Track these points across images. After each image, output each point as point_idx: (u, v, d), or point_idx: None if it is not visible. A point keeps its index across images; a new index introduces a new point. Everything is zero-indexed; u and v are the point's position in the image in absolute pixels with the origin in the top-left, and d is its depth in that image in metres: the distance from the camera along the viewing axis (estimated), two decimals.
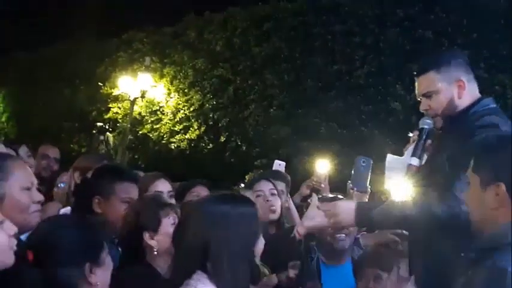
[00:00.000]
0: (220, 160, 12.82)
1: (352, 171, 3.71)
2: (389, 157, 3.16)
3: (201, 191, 3.82)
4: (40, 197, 2.39)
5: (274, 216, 3.77)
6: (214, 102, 13.24)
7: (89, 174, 3.30)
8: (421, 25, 11.53)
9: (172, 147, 14.08)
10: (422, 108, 2.84)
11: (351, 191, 3.79)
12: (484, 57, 10.69)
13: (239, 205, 2.23)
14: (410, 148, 2.91)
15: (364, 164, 3.66)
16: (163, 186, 3.43)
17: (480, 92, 2.99)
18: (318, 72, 11.64)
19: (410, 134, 3.00)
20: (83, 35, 16.96)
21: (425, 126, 2.81)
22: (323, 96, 11.54)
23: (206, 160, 13.16)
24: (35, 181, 2.40)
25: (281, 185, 4.12)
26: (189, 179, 4.55)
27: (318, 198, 3.94)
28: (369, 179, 3.68)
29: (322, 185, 4.94)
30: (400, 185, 2.98)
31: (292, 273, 2.95)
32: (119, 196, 2.95)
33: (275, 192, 3.76)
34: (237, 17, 13.20)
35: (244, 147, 12.55)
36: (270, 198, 3.62)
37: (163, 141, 14.38)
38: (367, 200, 3.92)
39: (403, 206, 2.73)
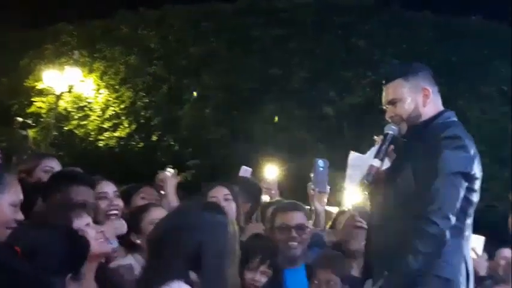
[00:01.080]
0: (151, 160, 12.60)
1: (312, 174, 3.81)
2: (352, 154, 3.24)
3: (148, 192, 3.77)
4: (21, 216, 2.34)
5: None
6: (147, 100, 13.01)
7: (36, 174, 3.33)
8: (355, 34, 11.92)
9: (101, 145, 13.71)
10: (388, 115, 2.88)
11: (312, 192, 3.88)
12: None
13: (222, 214, 2.25)
14: (373, 149, 2.96)
15: (322, 166, 3.80)
16: (107, 187, 3.36)
17: None
18: (255, 75, 11.72)
19: (376, 137, 3.05)
20: (6, 24, 16.17)
21: (390, 132, 2.84)
22: (259, 99, 11.64)
23: (137, 159, 12.90)
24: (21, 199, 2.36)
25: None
26: (118, 178, 4.41)
27: (273, 203, 4.03)
28: (327, 180, 3.81)
29: (273, 191, 5.01)
30: (355, 186, 3.05)
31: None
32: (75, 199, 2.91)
33: (230, 197, 3.74)
34: (174, 14, 13.05)
35: (177, 147, 12.43)
36: (223, 203, 3.60)
37: (91, 139, 13.97)
38: (326, 200, 4.02)
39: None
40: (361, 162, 3.03)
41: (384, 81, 3.03)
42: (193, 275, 2.07)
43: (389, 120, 2.90)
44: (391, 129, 2.86)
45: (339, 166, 4.00)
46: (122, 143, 13.37)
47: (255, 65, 11.76)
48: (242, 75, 11.83)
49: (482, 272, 4.18)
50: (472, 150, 2.73)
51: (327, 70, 11.62)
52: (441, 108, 2.94)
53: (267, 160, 11.67)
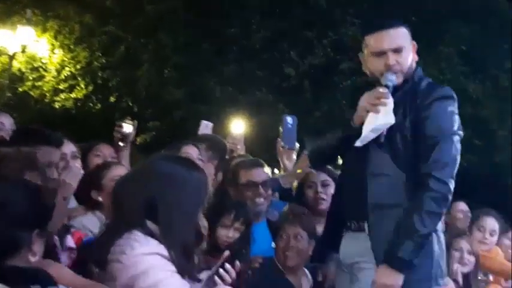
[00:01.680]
0: (109, 121, 12.32)
1: (281, 130, 3.78)
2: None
3: (104, 150, 3.67)
4: None
5: None
6: (104, 61, 12.68)
7: None
8: None
9: (56, 106, 13.37)
10: (391, 62, 2.70)
11: (281, 148, 3.85)
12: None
13: (193, 169, 2.20)
14: (384, 108, 2.68)
15: (290, 122, 3.76)
16: (66, 148, 3.25)
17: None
18: (214, 35, 11.51)
19: (380, 89, 2.78)
20: None
21: (390, 83, 2.72)
22: (219, 59, 11.47)
23: (94, 121, 12.64)
24: None
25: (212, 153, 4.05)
26: (76, 141, 4.28)
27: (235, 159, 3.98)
28: (296, 136, 3.78)
29: (238, 146, 4.96)
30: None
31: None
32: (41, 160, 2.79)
33: (201, 157, 3.68)
34: None
35: (136, 109, 12.22)
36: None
37: (46, 100, 13.61)
38: (295, 157, 3.99)
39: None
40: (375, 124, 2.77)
41: (382, 25, 2.78)
42: (152, 226, 2.05)
43: (389, 69, 2.72)
44: (390, 80, 2.70)
45: (299, 126, 3.96)
46: (78, 104, 13.07)
47: (214, 25, 11.52)
48: (201, 35, 11.59)
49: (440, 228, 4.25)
50: None
51: (287, 30, 11.48)
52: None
53: (232, 116, 11.66)
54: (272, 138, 3.93)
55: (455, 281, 3.64)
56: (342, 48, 11.52)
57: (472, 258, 3.76)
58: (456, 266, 3.68)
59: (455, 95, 2.73)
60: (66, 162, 3.20)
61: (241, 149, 4.85)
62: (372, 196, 2.65)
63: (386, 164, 2.67)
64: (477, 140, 14.13)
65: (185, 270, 2.07)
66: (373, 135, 2.62)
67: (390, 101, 2.61)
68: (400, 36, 2.72)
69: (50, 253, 2.34)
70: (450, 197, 2.59)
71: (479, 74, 12.27)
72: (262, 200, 3.41)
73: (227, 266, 2.14)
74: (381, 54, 2.70)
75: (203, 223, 2.43)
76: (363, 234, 2.70)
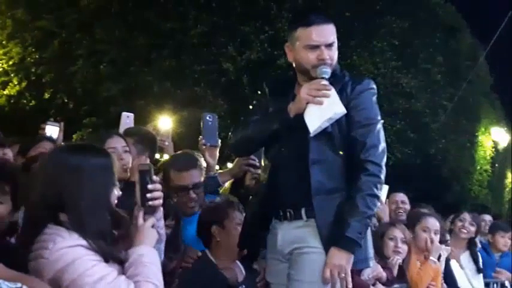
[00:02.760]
0: (44, 118, 12.06)
1: (202, 127, 3.80)
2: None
3: (47, 146, 3.61)
4: None
5: (126, 175, 3.61)
6: (37, 56, 12.35)
7: None
8: None
9: None
10: (325, 56, 2.78)
11: (203, 146, 3.86)
12: None
13: (91, 156, 2.20)
14: (329, 100, 2.75)
15: (210, 120, 3.79)
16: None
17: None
18: (151, 30, 11.40)
19: (323, 82, 2.86)
20: None
21: (326, 76, 2.80)
22: (156, 54, 11.38)
23: (28, 118, 12.30)
24: None
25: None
26: (9, 139, 4.19)
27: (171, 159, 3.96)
28: (217, 133, 3.81)
29: (166, 143, 4.92)
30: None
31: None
32: None
33: (127, 149, 3.62)
34: None
35: (71, 105, 11.97)
36: (123, 156, 3.47)
37: None
38: (217, 154, 4.01)
39: None
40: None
41: (319, 20, 2.84)
42: (65, 218, 2.04)
43: (322, 63, 2.79)
44: (326, 73, 2.78)
45: (238, 121, 3.99)
46: (12, 101, 12.68)
47: (150, 19, 11.41)
48: (137, 29, 11.46)
49: (386, 218, 4.36)
50: None
51: (224, 25, 11.49)
52: None
53: (161, 113, 11.56)
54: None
55: (389, 269, 3.77)
56: (279, 43, 11.63)
57: (405, 247, 3.89)
58: (393, 256, 3.81)
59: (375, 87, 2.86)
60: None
61: (169, 145, 4.83)
62: (315, 182, 2.73)
63: (324, 150, 2.76)
64: (411, 133, 14.61)
65: (107, 254, 2.08)
66: (326, 125, 2.71)
67: (333, 92, 2.71)
68: (333, 32, 2.81)
69: None
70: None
71: (412, 68, 12.63)
72: (193, 203, 3.37)
73: None
74: (315, 48, 2.78)
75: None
76: (300, 221, 2.77)
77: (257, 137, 2.95)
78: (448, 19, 13.76)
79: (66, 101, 12.07)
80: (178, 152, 3.87)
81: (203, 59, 11.39)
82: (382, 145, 2.74)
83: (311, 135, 2.69)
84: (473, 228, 5.05)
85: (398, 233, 3.91)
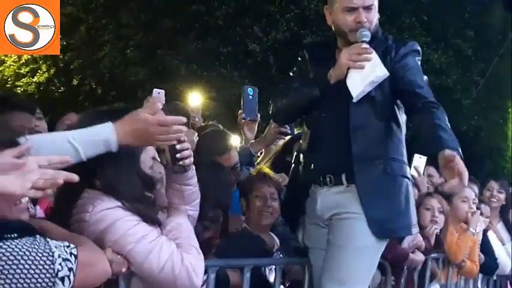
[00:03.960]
0: (73, 104, 12.17)
1: (242, 101, 3.76)
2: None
3: (73, 118, 3.64)
4: None
5: None
6: (65, 43, 12.43)
7: None
8: None
9: (19, 91, 13.11)
10: (363, 19, 2.73)
11: (243, 120, 3.84)
12: None
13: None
14: (371, 63, 2.69)
15: (251, 93, 3.74)
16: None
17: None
18: (176, 13, 11.38)
19: (364, 45, 2.79)
20: None
21: (366, 39, 2.75)
22: (182, 37, 11.35)
23: (57, 105, 12.43)
24: None
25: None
26: None
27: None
28: (257, 107, 3.76)
29: (196, 119, 4.94)
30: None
31: None
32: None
33: None
34: None
35: (99, 91, 12.05)
36: None
37: (8, 85, 13.32)
38: (256, 128, 3.99)
39: None
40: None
41: None
42: (98, 182, 2.08)
43: (360, 26, 2.74)
44: (366, 36, 2.73)
45: (266, 102, 3.93)
46: (41, 88, 12.83)
47: (175, 2, 11.39)
48: (163, 13, 11.45)
49: (424, 190, 4.30)
50: None
51: (249, 5, 11.40)
52: None
53: (197, 94, 11.55)
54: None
55: (427, 239, 3.72)
56: (305, 22, 11.52)
57: (442, 217, 3.83)
58: (430, 226, 3.75)
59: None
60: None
61: (199, 121, 4.85)
62: (357, 148, 2.69)
63: (367, 115, 2.71)
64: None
65: (145, 216, 2.11)
66: (369, 89, 2.65)
67: (375, 55, 2.65)
68: None
69: None
70: None
71: (442, 43, 12.39)
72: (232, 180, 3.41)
73: None
74: (352, 10, 2.72)
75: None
76: (341, 187, 2.73)
77: (298, 104, 2.90)
78: None
79: (94, 86, 12.15)
80: (208, 130, 3.85)
81: (229, 41, 11.33)
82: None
83: (354, 100, 2.63)
84: (502, 196, 4.94)
85: (435, 202, 3.85)
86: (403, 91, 2.70)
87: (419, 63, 2.80)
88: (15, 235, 1.75)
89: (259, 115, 3.81)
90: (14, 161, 1.65)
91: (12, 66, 13.30)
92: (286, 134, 3.73)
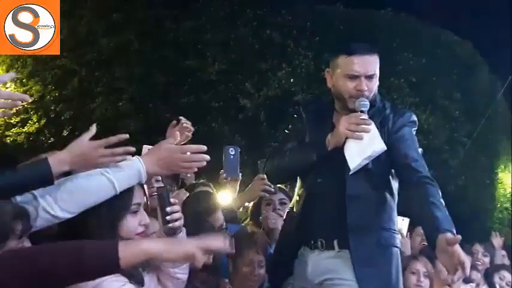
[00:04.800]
0: None
1: (223, 161, 3.78)
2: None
3: None
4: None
5: None
6: (57, 94, 12.49)
7: None
8: (269, 26, 11.98)
9: (8, 141, 13.05)
10: (364, 88, 2.76)
11: (224, 180, 3.85)
12: (326, 59, 11.36)
13: None
14: (368, 135, 2.68)
15: (233, 153, 3.79)
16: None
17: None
18: (169, 67, 11.52)
19: (363, 116, 2.79)
20: None
21: (364, 109, 2.78)
22: (174, 91, 11.46)
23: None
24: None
25: None
26: None
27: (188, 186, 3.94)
28: (239, 166, 3.79)
29: (188, 175, 4.94)
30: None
31: None
32: None
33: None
34: (83, 5, 12.57)
35: None
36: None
37: None
38: (238, 187, 4.00)
39: None
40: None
41: (360, 51, 2.83)
42: None
43: (360, 94, 2.78)
44: (365, 106, 2.78)
45: (256, 157, 3.96)
46: (31, 138, 12.78)
47: (169, 57, 11.55)
48: (156, 67, 11.59)
49: (408, 252, 4.30)
50: None
51: (242, 62, 11.59)
52: None
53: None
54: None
55: None
56: (296, 80, 11.69)
57: (427, 281, 3.81)
58: None
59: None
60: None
61: (190, 178, 4.84)
62: (352, 218, 2.71)
63: (363, 186, 2.74)
64: (429, 170, 14.37)
65: (130, 276, 2.16)
66: (366, 162, 2.69)
67: (373, 127, 2.69)
68: (374, 63, 2.83)
69: None
70: None
71: (430, 104, 12.59)
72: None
73: None
74: (354, 77, 2.77)
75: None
76: (332, 252, 2.73)
77: (294, 167, 2.95)
78: (465, 56, 13.76)
79: None
80: (196, 190, 3.84)
81: (221, 96, 11.45)
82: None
83: (351, 172, 2.66)
84: (487, 260, 4.95)
85: (420, 266, 3.85)
86: (398, 163, 2.73)
87: (414, 133, 2.84)
88: None
89: (240, 174, 3.83)
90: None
91: None
92: (269, 192, 3.74)
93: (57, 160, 2.18)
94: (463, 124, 13.37)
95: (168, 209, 2.36)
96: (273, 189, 3.88)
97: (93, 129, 2.21)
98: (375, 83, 2.88)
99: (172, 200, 2.41)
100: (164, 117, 11.19)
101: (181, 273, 2.46)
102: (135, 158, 2.23)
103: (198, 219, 3.19)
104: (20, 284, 1.59)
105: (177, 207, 2.39)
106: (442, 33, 13.69)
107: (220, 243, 1.82)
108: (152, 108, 11.41)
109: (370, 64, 2.86)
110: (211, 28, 11.71)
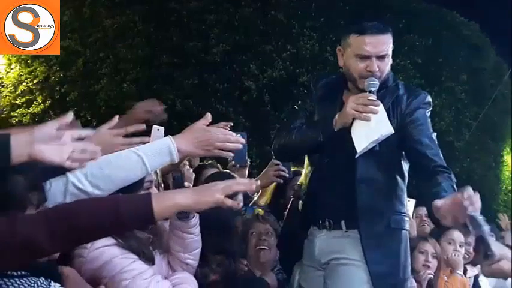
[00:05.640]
0: None
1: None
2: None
3: None
4: None
5: None
6: (61, 75, 12.50)
7: None
8: (274, 7, 11.90)
9: (14, 122, 13.10)
10: (374, 68, 2.69)
11: (233, 167, 3.87)
12: (331, 40, 11.30)
13: None
14: (376, 117, 2.62)
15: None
16: None
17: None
18: (173, 48, 11.49)
19: (370, 97, 2.72)
20: None
21: (373, 89, 2.72)
22: (178, 72, 11.44)
23: None
24: None
25: None
26: None
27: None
28: (246, 153, 3.77)
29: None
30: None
31: None
32: None
33: None
34: None
35: (94, 123, 12.03)
36: None
37: (3, 116, 13.32)
38: (247, 173, 4.01)
39: None
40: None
41: (373, 30, 2.76)
42: None
43: (370, 75, 2.72)
44: (374, 86, 2.71)
45: (260, 139, 3.95)
46: (36, 119, 12.81)
47: (173, 38, 11.51)
48: (160, 48, 11.56)
49: (414, 233, 4.32)
50: None
51: (246, 43, 11.54)
52: None
53: (185, 125, 11.51)
54: None
55: (420, 283, 3.71)
56: (301, 61, 11.64)
57: (435, 262, 3.82)
58: (423, 271, 3.75)
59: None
60: None
61: (195, 161, 4.87)
62: (362, 201, 2.70)
63: (371, 169, 2.71)
64: None
65: (140, 253, 2.22)
66: (372, 145, 2.65)
67: (381, 108, 2.63)
68: (387, 43, 2.75)
69: None
70: None
71: (436, 86, 12.51)
72: None
73: None
74: (365, 58, 2.71)
75: None
76: (339, 232, 2.73)
77: (300, 146, 2.92)
78: (471, 37, 13.65)
79: (89, 119, 12.16)
80: (212, 171, 3.85)
81: (225, 77, 11.42)
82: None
83: (357, 155, 2.63)
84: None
85: (429, 247, 3.86)
86: (411, 149, 2.68)
87: (428, 115, 2.78)
88: (18, 273, 1.76)
89: (248, 160, 3.83)
90: (55, 132, 1.70)
91: (8, 97, 13.33)
92: (284, 177, 3.73)
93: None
94: (469, 106, 13.31)
95: None
96: (287, 175, 3.86)
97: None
98: (387, 63, 2.79)
99: (186, 183, 2.47)
100: (168, 99, 11.21)
101: (192, 258, 2.47)
102: (167, 137, 2.23)
103: None
104: (60, 238, 1.62)
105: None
106: (449, 15, 13.58)
107: (245, 185, 1.86)
108: (156, 90, 11.40)
109: (382, 44, 2.76)
110: (216, 9, 11.64)
